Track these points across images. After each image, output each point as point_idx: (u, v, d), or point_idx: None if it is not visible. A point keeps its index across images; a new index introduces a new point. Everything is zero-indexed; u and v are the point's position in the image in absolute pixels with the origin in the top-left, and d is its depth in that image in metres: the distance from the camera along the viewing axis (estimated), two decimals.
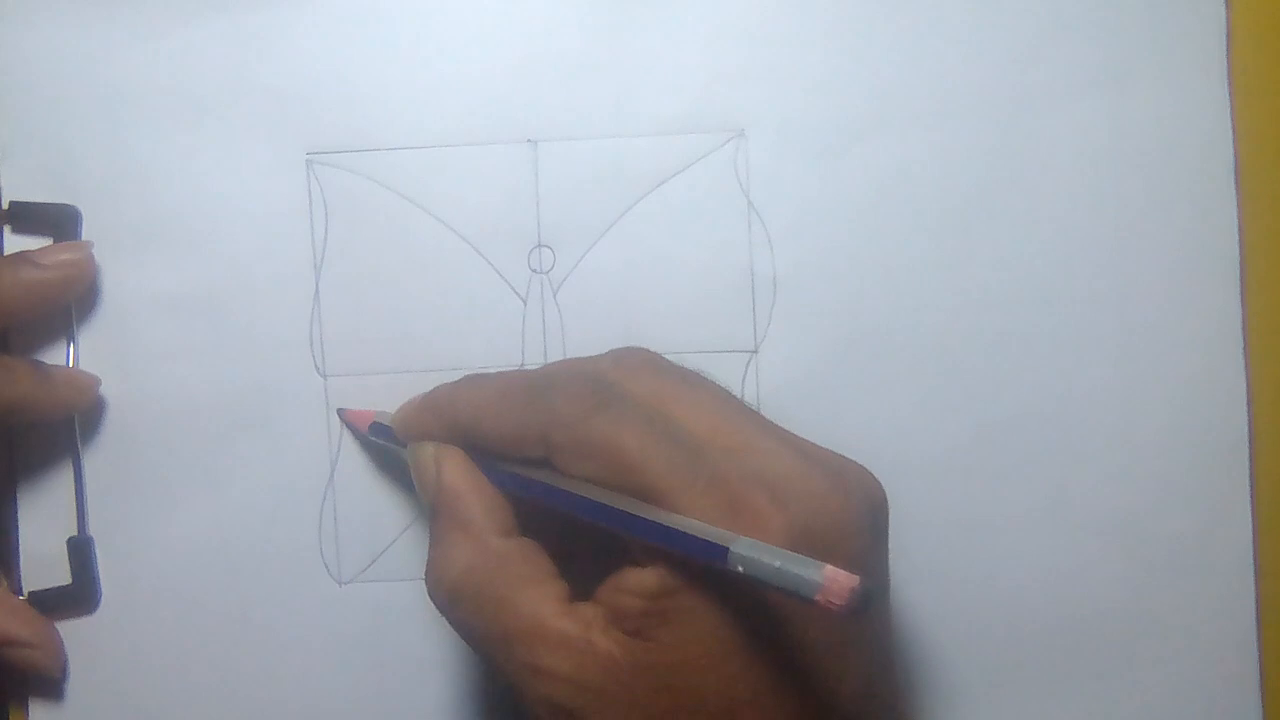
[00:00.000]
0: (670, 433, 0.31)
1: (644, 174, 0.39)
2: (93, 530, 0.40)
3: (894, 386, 0.39)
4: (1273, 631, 0.39)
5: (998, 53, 0.39)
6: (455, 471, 0.34)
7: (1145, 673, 0.39)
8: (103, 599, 0.40)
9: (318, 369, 0.39)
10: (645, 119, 0.39)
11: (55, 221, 0.39)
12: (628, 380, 0.32)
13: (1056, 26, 0.39)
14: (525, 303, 0.39)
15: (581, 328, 0.39)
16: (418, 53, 0.39)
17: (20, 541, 0.40)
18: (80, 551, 0.39)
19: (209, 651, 0.39)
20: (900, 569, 0.38)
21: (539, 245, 0.39)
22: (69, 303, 0.39)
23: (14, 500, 0.40)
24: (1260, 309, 0.39)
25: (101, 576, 0.40)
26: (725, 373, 0.38)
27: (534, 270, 0.39)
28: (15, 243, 0.39)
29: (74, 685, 0.40)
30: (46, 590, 0.39)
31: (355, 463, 0.39)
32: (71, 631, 0.39)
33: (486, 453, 0.34)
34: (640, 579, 0.30)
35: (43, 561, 0.39)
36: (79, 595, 0.39)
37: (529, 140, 0.39)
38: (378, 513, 0.39)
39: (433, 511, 0.34)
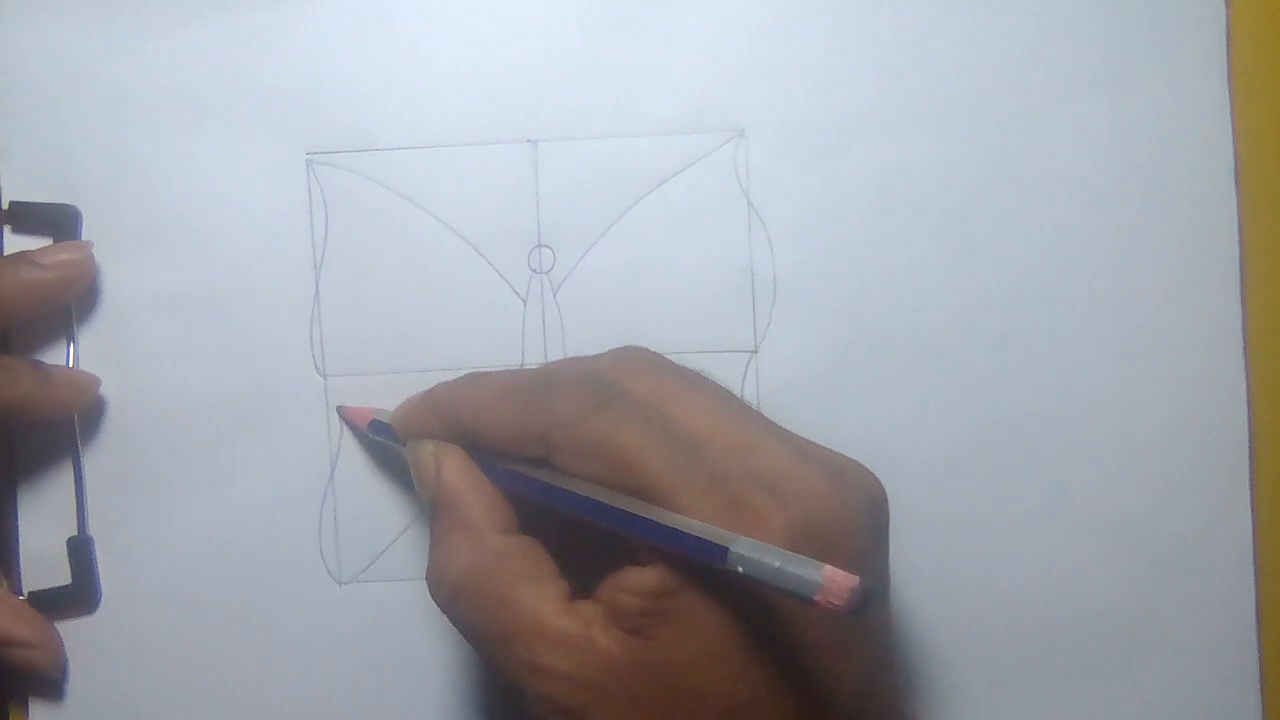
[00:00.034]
0: (670, 432, 0.31)
1: (644, 174, 0.39)
2: (93, 530, 0.40)
3: (894, 386, 0.39)
4: (1273, 631, 0.39)
5: (998, 53, 0.39)
6: (455, 470, 0.34)
7: (1145, 673, 0.39)
8: (103, 599, 0.40)
9: (318, 369, 0.39)
10: (645, 119, 0.39)
11: (55, 221, 0.39)
12: (628, 380, 0.32)
13: (1056, 26, 0.39)
14: (525, 303, 0.39)
15: (581, 328, 0.39)
16: (418, 53, 0.39)
17: (20, 541, 0.40)
18: (80, 551, 0.39)
19: (209, 651, 0.39)
20: (900, 569, 0.38)
21: (539, 245, 0.39)
22: (69, 303, 0.39)
23: (14, 500, 0.40)
24: (1260, 309, 0.39)
25: (101, 576, 0.40)
26: (725, 373, 0.38)
27: (534, 270, 0.39)
28: (15, 243, 0.39)
29: (74, 685, 0.40)
30: (46, 590, 0.39)
31: (355, 463, 0.39)
32: (71, 631, 0.39)
33: (486, 451, 0.34)
34: (640, 578, 0.30)
35: (43, 561, 0.39)
36: (79, 595, 0.39)
37: (529, 140, 0.39)
38: (378, 513, 0.39)
39: (432, 510, 0.34)
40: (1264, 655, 0.39)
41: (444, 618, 0.33)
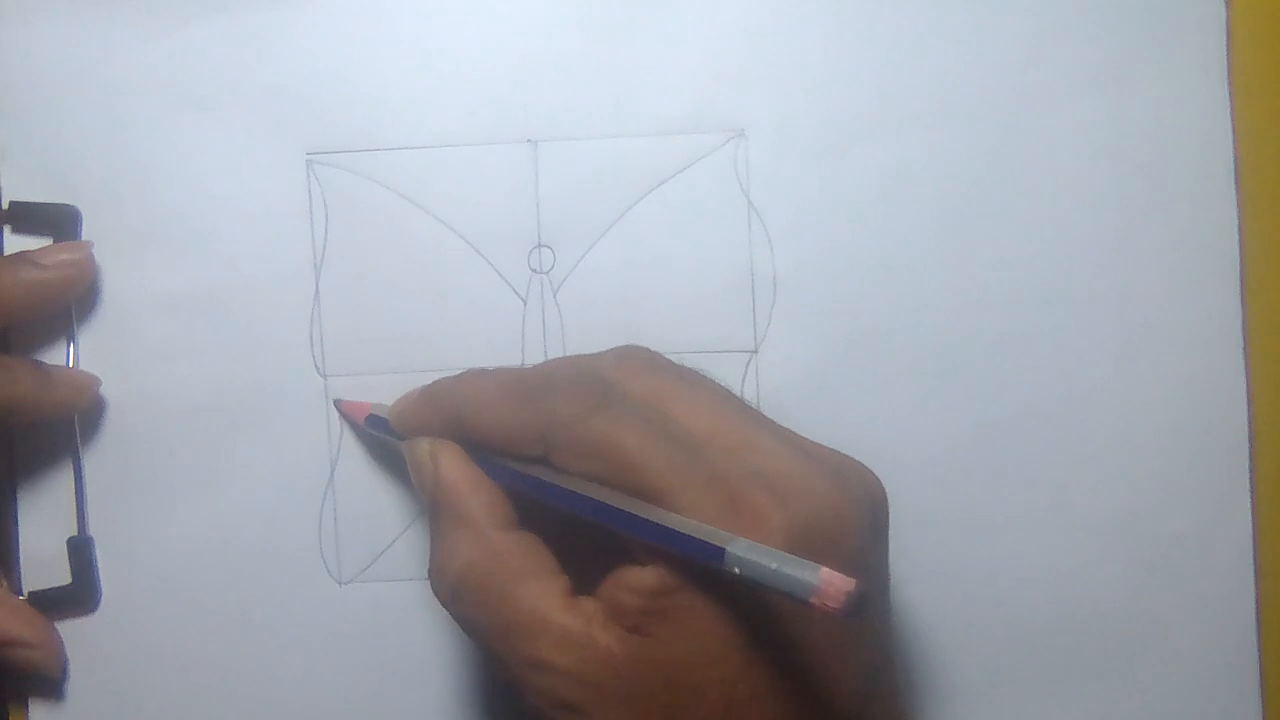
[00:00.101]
0: (670, 432, 0.31)
1: (644, 174, 0.39)
2: (93, 530, 0.40)
3: (894, 386, 0.39)
4: (1273, 631, 0.39)
5: (998, 53, 0.39)
6: (453, 467, 0.34)
7: (1145, 673, 0.39)
8: (103, 599, 0.40)
9: (318, 369, 0.39)
10: (645, 119, 0.39)
11: (55, 221, 0.39)
12: (627, 379, 0.32)
13: (1056, 26, 0.39)
14: (525, 303, 0.39)
15: (581, 328, 0.39)
16: (418, 53, 0.39)
17: (20, 541, 0.40)
18: (80, 551, 0.39)
19: (209, 651, 0.39)
20: (900, 569, 0.38)
21: (539, 245, 0.39)
22: (69, 303, 0.39)
23: (14, 500, 0.40)
24: (1260, 309, 0.39)
25: (101, 576, 0.40)
26: (725, 373, 0.38)
27: (534, 270, 0.39)
28: (15, 243, 0.39)
29: (74, 685, 0.40)
30: (46, 590, 0.39)
31: (355, 463, 0.39)
32: (71, 631, 0.39)
33: (485, 449, 0.34)
34: (640, 577, 0.30)
35: (43, 561, 0.39)
36: (79, 595, 0.39)
37: (529, 140, 0.39)
38: (378, 513, 0.39)
39: (431, 507, 0.34)
40: (1264, 655, 0.39)
41: (444, 617, 0.33)
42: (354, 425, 0.39)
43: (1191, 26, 0.38)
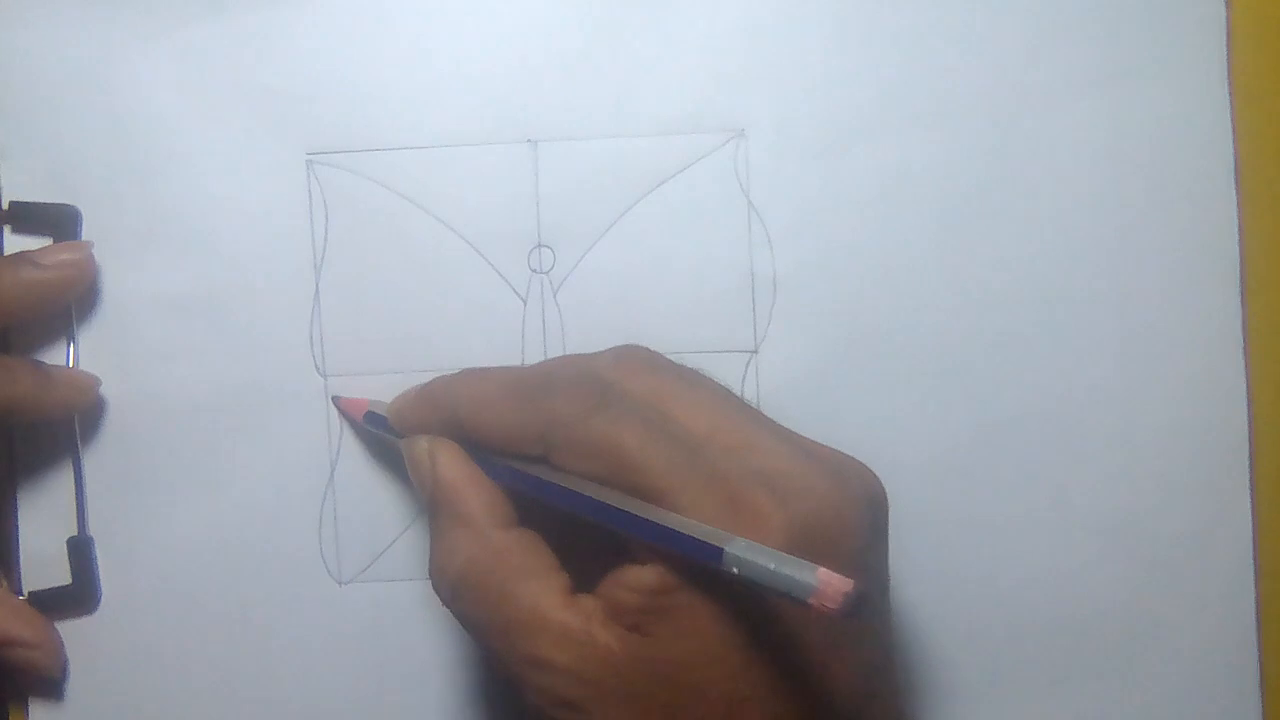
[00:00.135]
0: (669, 431, 0.31)
1: (644, 174, 0.39)
2: (93, 530, 0.40)
3: (894, 386, 0.39)
4: (1273, 631, 0.39)
5: (998, 53, 0.39)
6: (451, 465, 0.34)
7: (1145, 673, 0.39)
8: (103, 599, 0.40)
9: (318, 369, 0.39)
10: (645, 119, 0.39)
11: (55, 221, 0.39)
12: (627, 379, 0.32)
13: (1056, 26, 0.39)
14: (525, 303, 0.39)
15: (581, 328, 0.39)
16: (418, 53, 0.39)
17: (20, 541, 0.40)
18: (80, 551, 0.39)
19: (209, 651, 0.39)
20: (900, 569, 0.38)
21: (539, 245, 0.39)
22: (69, 303, 0.39)
23: (14, 500, 0.40)
24: (1260, 309, 0.39)
25: (101, 576, 0.40)
26: (725, 373, 0.38)
27: (534, 270, 0.39)
28: (15, 243, 0.39)
29: (74, 685, 0.40)
30: (46, 590, 0.39)
31: (355, 463, 0.39)
32: (71, 631, 0.39)
33: (484, 448, 0.34)
34: (639, 575, 0.30)
35: (43, 561, 0.39)
36: (79, 595, 0.39)
37: (529, 140, 0.39)
38: (378, 513, 0.39)
39: (430, 506, 0.34)
40: (1264, 655, 0.39)
41: (444, 617, 0.33)
42: (352, 422, 0.39)
43: (1191, 26, 0.38)
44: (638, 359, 0.34)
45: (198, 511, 0.39)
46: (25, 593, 0.39)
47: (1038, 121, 0.39)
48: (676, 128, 0.39)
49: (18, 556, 0.40)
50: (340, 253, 0.39)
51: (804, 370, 0.39)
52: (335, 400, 0.39)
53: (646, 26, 0.39)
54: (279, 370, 0.39)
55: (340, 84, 0.39)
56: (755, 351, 0.39)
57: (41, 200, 0.39)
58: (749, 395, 0.39)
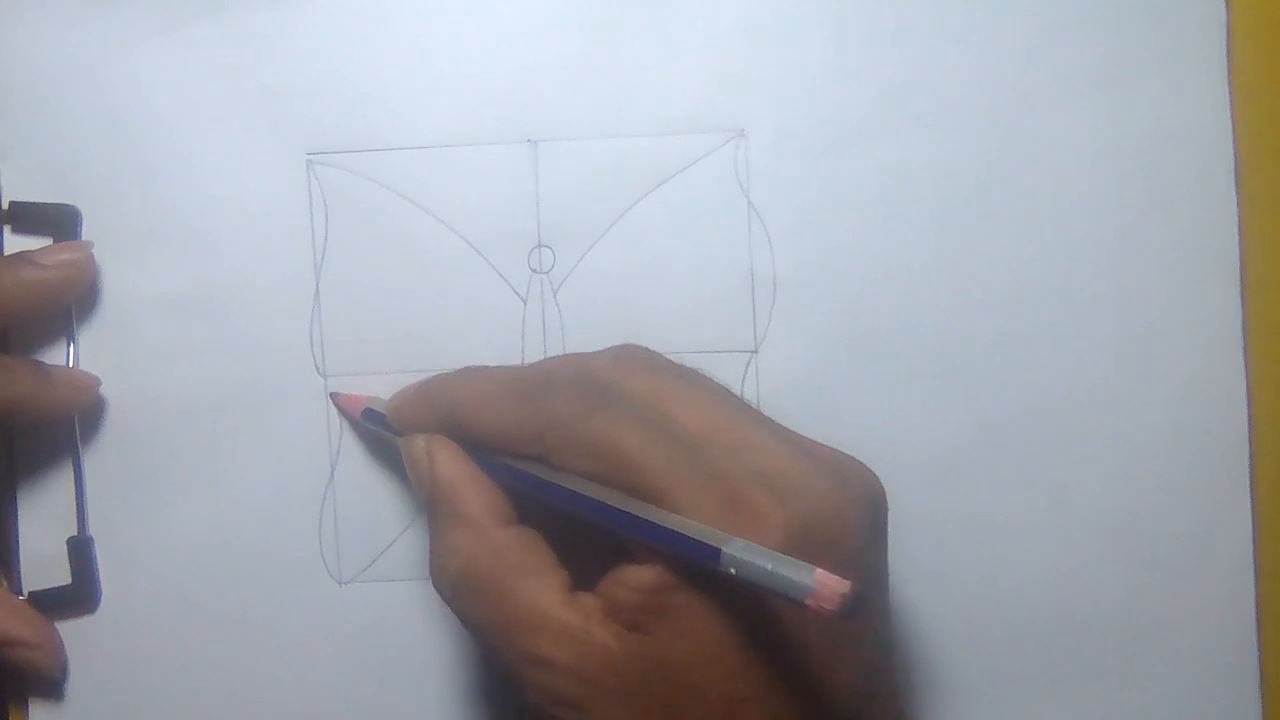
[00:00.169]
0: (668, 431, 0.31)
1: (644, 174, 0.39)
2: (93, 530, 0.40)
3: (894, 386, 0.39)
4: (1273, 631, 0.39)
5: (998, 53, 0.39)
6: (449, 464, 0.34)
7: (1145, 673, 0.39)
8: (103, 599, 0.40)
9: (318, 369, 0.39)
10: (645, 119, 0.39)
11: (55, 221, 0.39)
12: (626, 379, 0.32)
13: (1056, 26, 0.39)
14: (525, 303, 0.39)
15: (581, 328, 0.39)
16: (418, 53, 0.39)
17: (20, 541, 0.40)
18: (80, 551, 0.39)
19: (209, 651, 0.39)
20: (900, 569, 0.38)
21: (539, 245, 0.39)
22: (69, 303, 0.39)
23: (14, 500, 0.40)
24: (1260, 309, 0.39)
25: (101, 576, 0.40)
26: (725, 373, 0.38)
27: (534, 270, 0.39)
28: (15, 243, 0.39)
29: (74, 685, 0.40)
30: (46, 590, 0.39)
31: (355, 463, 0.39)
32: (71, 631, 0.39)
33: (482, 447, 0.34)
34: (638, 575, 0.30)
35: (43, 561, 0.39)
36: (79, 595, 0.39)
37: (529, 140, 0.39)
38: (378, 513, 0.39)
39: (430, 505, 0.34)
40: (1264, 655, 0.39)
41: (443, 617, 0.33)
42: (350, 419, 0.39)
43: (1191, 26, 0.38)
44: (637, 358, 0.34)
45: (198, 511, 0.39)
46: (25, 593, 0.39)
47: (1038, 121, 0.39)
48: (676, 128, 0.39)
49: (18, 556, 0.40)
50: (340, 253, 0.39)
51: (804, 370, 0.39)
52: (333, 396, 0.39)
53: (646, 26, 0.39)
54: (279, 370, 0.39)
55: (340, 84, 0.39)
56: (755, 351, 0.39)
57: (41, 200, 0.39)
58: (749, 395, 0.39)
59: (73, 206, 0.39)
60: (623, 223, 0.39)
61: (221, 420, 0.39)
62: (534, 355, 0.39)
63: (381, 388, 0.38)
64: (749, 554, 0.27)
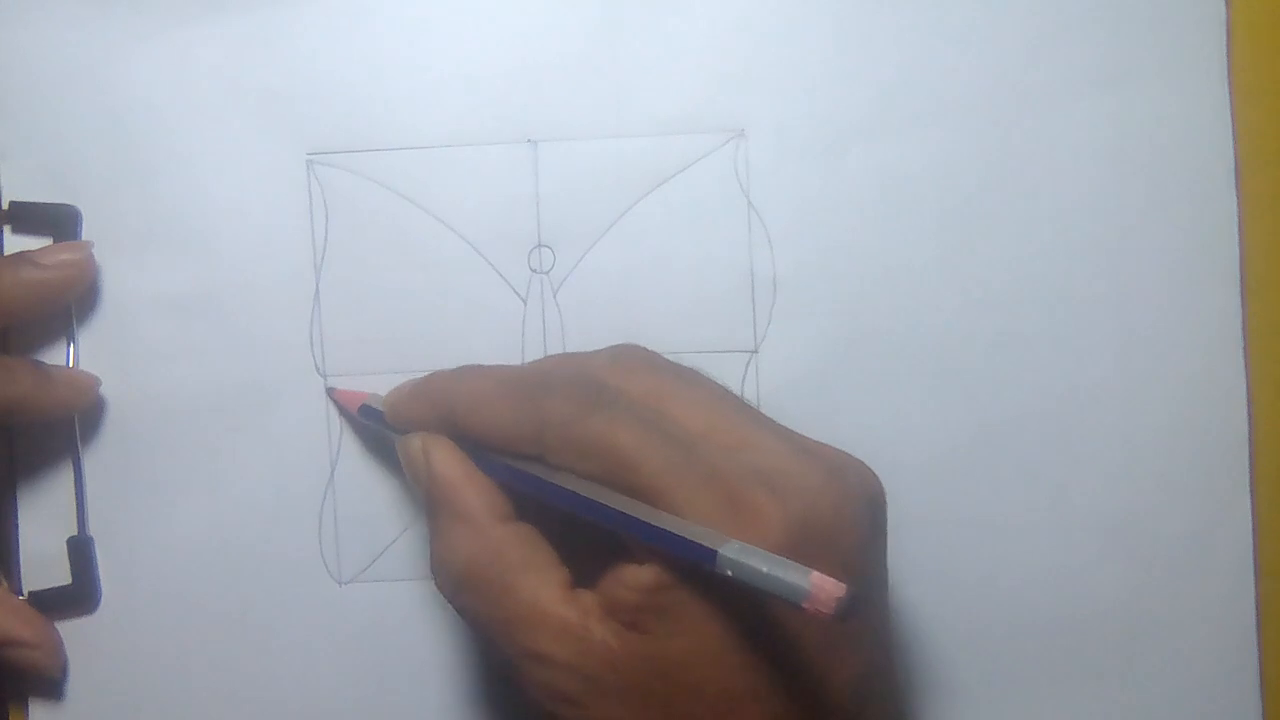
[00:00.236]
0: (667, 430, 0.31)
1: (644, 174, 0.39)
2: (93, 530, 0.40)
3: (894, 386, 0.39)
4: (1273, 631, 0.39)
5: (998, 53, 0.39)
6: (446, 462, 0.34)
7: (1145, 673, 0.39)
8: (103, 599, 0.40)
9: (318, 369, 0.39)
10: (645, 119, 0.39)
11: (55, 221, 0.39)
12: (624, 378, 0.32)
13: (1056, 26, 0.39)
14: (525, 303, 0.39)
15: (581, 328, 0.39)
16: (418, 53, 0.39)
17: (20, 541, 0.40)
18: (80, 551, 0.39)
19: (209, 651, 0.39)
20: (900, 569, 0.38)
21: (539, 245, 0.39)
22: (69, 303, 0.39)
23: (14, 500, 0.40)
24: (1260, 309, 0.39)
25: (101, 576, 0.40)
26: (725, 373, 0.38)
27: (534, 270, 0.39)
28: (15, 243, 0.39)
29: (74, 685, 0.40)
30: (46, 590, 0.39)
31: (355, 463, 0.39)
32: (71, 631, 0.39)
33: (480, 446, 0.34)
34: (637, 574, 0.30)
35: (43, 561, 0.39)
36: (79, 595, 0.39)
37: (529, 140, 0.39)
38: (378, 513, 0.39)
39: (429, 503, 0.34)
40: (1264, 655, 0.39)
41: (443, 617, 0.33)
42: (348, 415, 0.39)
43: (1191, 26, 0.38)
44: (635, 358, 0.34)
45: (198, 511, 0.39)
46: (25, 593, 0.39)
47: (1038, 121, 0.39)
48: (676, 128, 0.39)
49: (18, 556, 0.40)
50: (340, 253, 0.39)
51: (804, 370, 0.39)
52: (331, 392, 0.39)
53: (646, 26, 0.39)
54: (279, 370, 0.39)
55: (340, 84, 0.39)
56: (755, 351, 0.39)
57: (41, 200, 0.39)
58: (749, 395, 0.39)
59: (73, 206, 0.39)
60: (623, 223, 0.39)
61: (221, 420, 0.39)
62: (534, 355, 0.39)
63: (381, 387, 0.38)
64: (745, 556, 0.27)
